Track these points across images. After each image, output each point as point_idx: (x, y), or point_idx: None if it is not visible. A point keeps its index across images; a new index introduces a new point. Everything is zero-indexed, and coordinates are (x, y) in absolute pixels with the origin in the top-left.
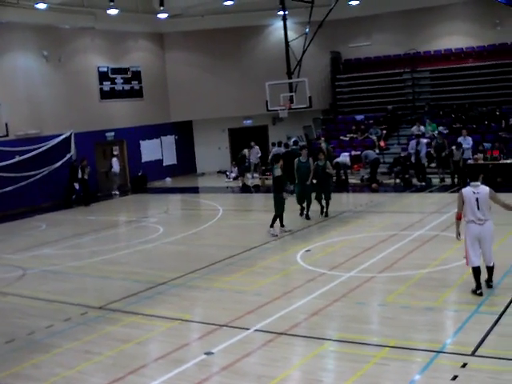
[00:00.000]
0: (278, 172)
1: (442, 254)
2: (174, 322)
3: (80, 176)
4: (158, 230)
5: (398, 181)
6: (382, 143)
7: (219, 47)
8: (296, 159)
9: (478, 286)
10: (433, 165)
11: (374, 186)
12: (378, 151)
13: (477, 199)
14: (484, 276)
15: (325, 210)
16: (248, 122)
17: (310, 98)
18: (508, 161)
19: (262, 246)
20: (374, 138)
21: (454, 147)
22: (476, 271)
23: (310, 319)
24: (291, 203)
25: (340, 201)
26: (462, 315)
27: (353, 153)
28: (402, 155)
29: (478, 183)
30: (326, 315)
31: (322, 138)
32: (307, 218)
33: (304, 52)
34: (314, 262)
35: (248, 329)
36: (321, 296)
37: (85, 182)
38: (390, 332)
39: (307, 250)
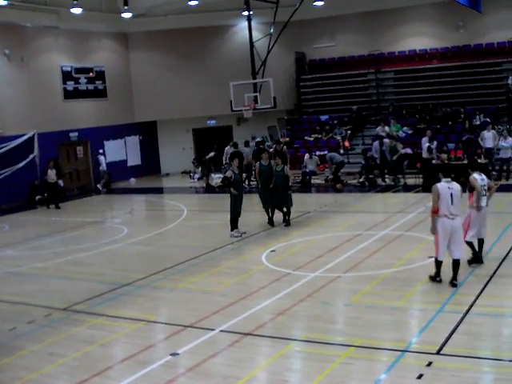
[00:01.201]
0: (228, 173)
1: (406, 254)
2: (139, 323)
3: (48, 179)
4: (123, 231)
5: (361, 180)
6: (346, 143)
7: (183, 47)
8: (257, 162)
9: (438, 273)
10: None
11: (338, 186)
12: (342, 151)
13: (451, 194)
14: (447, 273)
15: (287, 217)
16: (212, 123)
17: (274, 98)
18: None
19: (227, 247)
20: (339, 138)
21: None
22: (439, 263)
23: (275, 319)
24: (252, 204)
25: (304, 201)
26: (427, 314)
27: (317, 153)
28: (368, 155)
29: (450, 179)
30: (292, 315)
31: (281, 140)
32: (287, 224)
33: (268, 52)
34: (279, 262)
35: (214, 329)
36: (286, 296)
37: (54, 184)
38: (356, 331)
39: (272, 251)
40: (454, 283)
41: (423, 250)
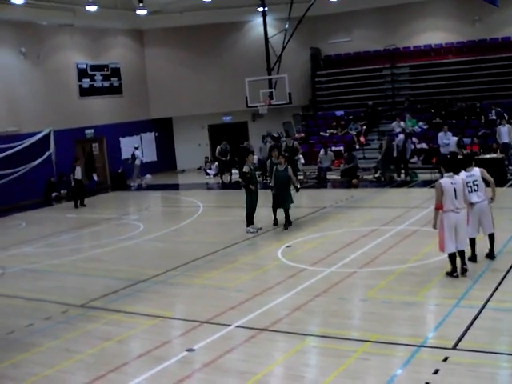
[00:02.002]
0: (245, 168)
1: (422, 249)
2: (155, 319)
3: (75, 176)
4: (139, 227)
5: (377, 175)
6: (362, 139)
7: (199, 44)
8: (268, 160)
9: (454, 269)
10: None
11: (354, 181)
12: (358, 147)
13: (454, 189)
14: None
15: (284, 221)
16: (227, 119)
17: (289, 94)
18: (487, 156)
19: (243, 243)
20: (354, 133)
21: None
22: (452, 256)
23: (291, 315)
24: (267, 200)
25: (320, 197)
26: (442, 309)
27: (333, 148)
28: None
29: (452, 173)
30: (308, 311)
31: (296, 136)
32: (286, 227)
33: (284, 48)
34: (295, 258)
35: (230, 325)
36: (302, 292)
37: (79, 182)
38: (372, 327)
39: (288, 246)
40: (464, 268)
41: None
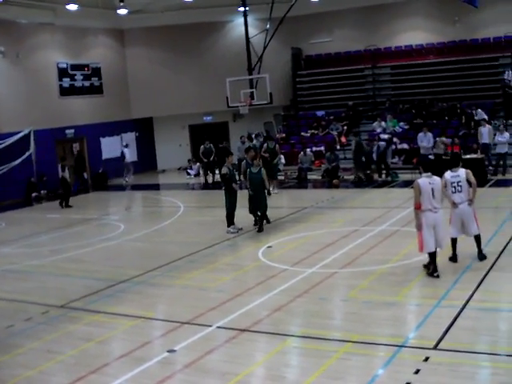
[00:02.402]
0: (224, 170)
1: (402, 249)
2: (136, 319)
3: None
4: (120, 228)
5: (358, 175)
6: (343, 139)
7: (180, 43)
8: (243, 161)
9: (435, 268)
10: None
11: (334, 181)
12: (338, 147)
13: (432, 189)
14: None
15: (260, 222)
16: (208, 119)
17: (270, 94)
18: (468, 156)
19: (224, 243)
20: (335, 133)
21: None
22: (433, 255)
23: (272, 315)
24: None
25: (301, 197)
26: (423, 309)
27: (314, 149)
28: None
29: (430, 174)
30: (289, 311)
31: (273, 141)
32: (260, 229)
33: (265, 48)
34: (276, 258)
35: (210, 326)
36: (283, 292)
37: (65, 182)
38: (353, 327)
39: (269, 247)
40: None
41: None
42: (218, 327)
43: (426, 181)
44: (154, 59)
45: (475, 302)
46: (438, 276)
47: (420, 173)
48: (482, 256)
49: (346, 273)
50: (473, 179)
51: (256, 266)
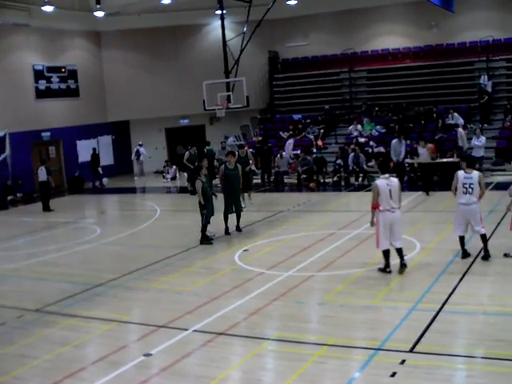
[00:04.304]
0: (198, 184)
1: (379, 253)
2: (112, 323)
3: (43, 179)
4: (95, 231)
5: (336, 179)
6: (319, 142)
7: (157, 46)
8: (222, 166)
9: (388, 265)
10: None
11: (311, 185)
12: (315, 150)
13: (390, 190)
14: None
15: (235, 223)
16: (185, 122)
17: (247, 97)
18: (444, 159)
19: (200, 247)
20: (312, 137)
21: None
22: (386, 253)
23: (249, 319)
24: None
25: (277, 200)
26: (400, 312)
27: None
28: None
29: (388, 175)
30: (265, 315)
31: (244, 149)
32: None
33: (241, 51)
34: (252, 262)
35: (187, 329)
36: (259, 295)
37: (44, 184)
38: (329, 330)
39: (245, 250)
40: (403, 263)
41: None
42: (195, 331)
43: (383, 182)
44: (131, 62)
45: (451, 305)
46: (390, 272)
47: (397, 177)
48: (486, 255)
49: (323, 276)
50: (483, 184)
51: (232, 269)
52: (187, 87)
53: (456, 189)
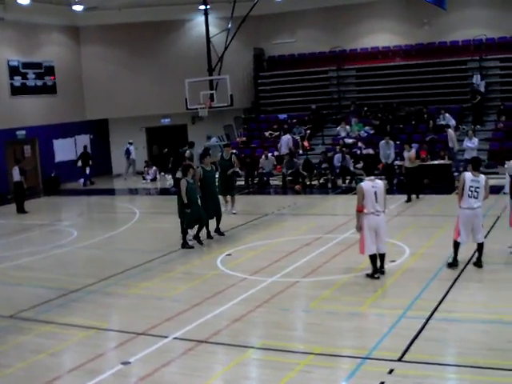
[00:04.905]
0: (179, 174)
1: (366, 258)
2: (90, 330)
3: (17, 179)
4: (72, 234)
5: (322, 181)
6: (305, 143)
7: (137, 42)
8: (198, 168)
9: (376, 270)
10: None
11: (297, 187)
12: (301, 151)
13: (375, 193)
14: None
15: (215, 227)
16: (166, 121)
17: (231, 96)
18: (435, 162)
19: (181, 251)
20: (298, 137)
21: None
22: (373, 257)
23: (231, 326)
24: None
25: (262, 203)
26: (388, 320)
27: (275, 153)
28: (329, 155)
29: (373, 177)
30: (249, 322)
31: (229, 149)
32: (222, 233)
33: (226, 48)
34: (235, 267)
35: (167, 337)
36: (243, 302)
37: (18, 185)
38: (315, 338)
39: (228, 255)
40: (382, 270)
41: (386, 254)
42: (175, 338)
43: (369, 184)
44: (111, 58)
45: (441, 313)
46: (378, 277)
47: (386, 179)
48: (479, 264)
49: (309, 282)
50: (487, 188)
51: (214, 274)
52: (169, 85)
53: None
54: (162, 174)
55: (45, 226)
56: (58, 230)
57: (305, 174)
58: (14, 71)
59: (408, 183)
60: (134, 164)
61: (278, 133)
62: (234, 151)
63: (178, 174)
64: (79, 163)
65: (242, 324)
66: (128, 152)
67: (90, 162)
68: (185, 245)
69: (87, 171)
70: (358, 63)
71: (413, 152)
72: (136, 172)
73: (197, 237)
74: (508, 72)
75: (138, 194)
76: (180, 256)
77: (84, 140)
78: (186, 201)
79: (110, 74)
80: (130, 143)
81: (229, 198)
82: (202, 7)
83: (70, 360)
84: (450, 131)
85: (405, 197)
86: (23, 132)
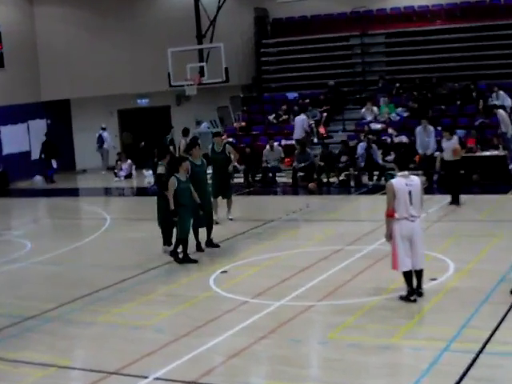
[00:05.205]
0: (160, 169)
1: (400, 276)
2: (48, 369)
3: None
4: (25, 246)
5: (343, 177)
6: (321, 130)
7: (107, 2)
8: (187, 161)
9: (412, 291)
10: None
11: (311, 185)
12: (316, 140)
13: (410, 192)
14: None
15: (206, 237)
16: (144, 102)
17: (226, 69)
18: (486, 153)
19: (163, 267)
20: (312, 122)
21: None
22: (408, 275)
23: (228, 363)
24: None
25: (267, 206)
26: (428, 354)
27: (283, 142)
28: (351, 144)
29: (407, 173)
30: (250, 357)
31: (220, 138)
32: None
33: (219, 9)
34: (233, 287)
35: (146, 377)
36: (243, 332)
37: None
38: (335, 378)
39: (223, 272)
40: (419, 292)
41: (425, 271)
42: (157, 379)
43: (402, 181)
44: (73, 22)
45: (495, 345)
46: (415, 300)
47: (425, 175)
48: None
49: (326, 306)
50: None
51: (206, 297)
52: (147, 56)
53: None
54: (146, 170)
55: None
56: (6, 240)
57: (322, 164)
58: None
59: (447, 183)
60: (107, 155)
61: (286, 116)
62: (231, 139)
63: (161, 169)
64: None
65: (242, 360)
66: (101, 140)
67: (55, 155)
68: (181, 258)
69: (54, 165)
70: (387, 27)
71: (455, 141)
72: (107, 167)
73: (174, 253)
74: None
75: (109, 195)
76: (162, 273)
77: (39, 126)
78: (172, 206)
79: (72, 43)
80: (104, 129)
81: (222, 200)
82: None
83: None
84: (501, 112)
85: (448, 197)
86: None
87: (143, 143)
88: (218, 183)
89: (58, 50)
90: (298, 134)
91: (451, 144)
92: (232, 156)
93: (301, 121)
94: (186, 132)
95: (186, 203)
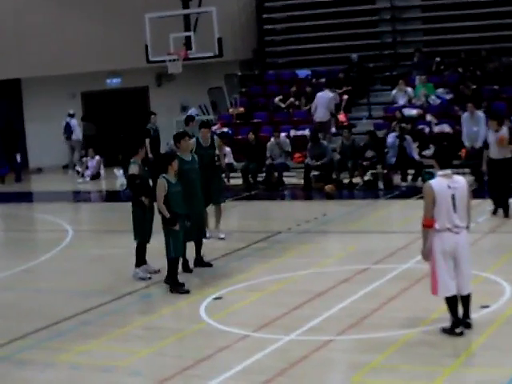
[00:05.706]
0: (133, 169)
1: (442, 303)
2: None
3: None
4: None
5: (368, 178)
6: (341, 117)
7: None
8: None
9: (457, 322)
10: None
11: (328, 187)
12: (335, 130)
13: (453, 196)
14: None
15: (200, 253)
16: (115, 82)
17: (219, 40)
18: None
19: (139, 292)
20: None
21: None
22: (452, 301)
23: None
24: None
25: (272, 214)
26: None
27: (292, 133)
28: (379, 135)
29: (450, 172)
30: None
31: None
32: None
33: None
34: (229, 318)
35: None
36: (243, 374)
37: None
38: None
39: (217, 298)
40: (467, 322)
41: (473, 296)
42: None
43: (443, 183)
44: None
45: None
46: (461, 333)
47: (474, 175)
48: None
49: (349, 341)
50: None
51: (196, 330)
52: (118, 24)
53: None
54: (117, 169)
55: None
56: None
57: (341, 160)
58: None
59: (493, 184)
60: (79, 148)
61: (294, 99)
62: (226, 130)
63: (133, 169)
64: None
65: None
66: (69, 130)
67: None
68: (174, 287)
69: (18, 158)
70: None
71: (504, 132)
72: (74, 165)
73: (172, 279)
74: None
75: (72, 201)
76: (139, 301)
77: None
78: (167, 214)
79: (24, 8)
80: (72, 115)
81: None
82: None
83: None
84: None
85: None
86: None
87: (122, 135)
88: (203, 185)
89: (5, 18)
90: (322, 113)
91: (501, 135)
92: (225, 151)
93: (325, 98)
94: (188, 121)
95: (180, 211)
